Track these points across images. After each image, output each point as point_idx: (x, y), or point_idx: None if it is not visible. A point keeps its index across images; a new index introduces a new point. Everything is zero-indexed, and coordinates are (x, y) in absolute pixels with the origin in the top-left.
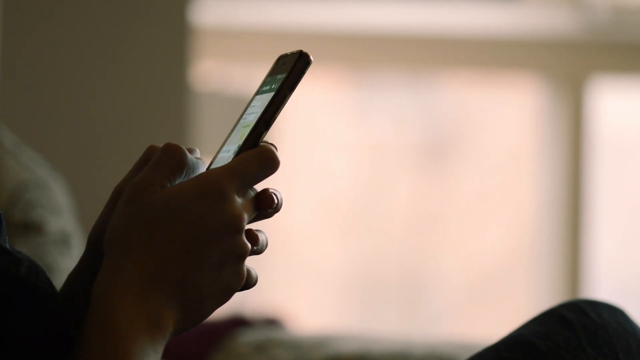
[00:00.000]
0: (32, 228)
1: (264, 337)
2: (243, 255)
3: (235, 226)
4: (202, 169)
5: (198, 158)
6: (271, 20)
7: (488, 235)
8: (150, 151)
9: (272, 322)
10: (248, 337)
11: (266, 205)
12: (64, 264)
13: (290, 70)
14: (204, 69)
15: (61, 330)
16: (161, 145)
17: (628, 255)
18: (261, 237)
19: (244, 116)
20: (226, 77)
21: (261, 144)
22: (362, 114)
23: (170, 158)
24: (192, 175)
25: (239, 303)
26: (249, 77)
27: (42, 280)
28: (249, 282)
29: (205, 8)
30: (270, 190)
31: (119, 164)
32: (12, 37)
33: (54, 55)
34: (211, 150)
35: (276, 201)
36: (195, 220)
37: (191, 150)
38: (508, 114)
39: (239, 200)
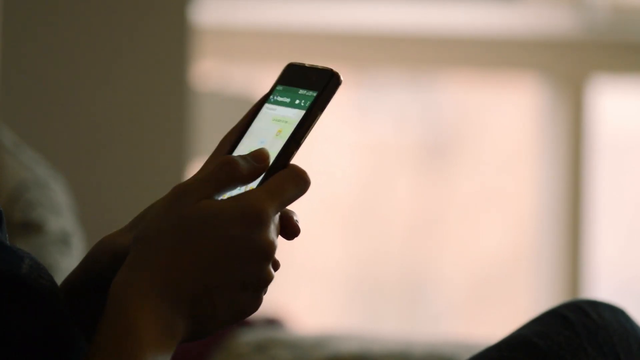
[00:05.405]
0: (32, 228)
1: (264, 337)
2: (266, 283)
3: (267, 254)
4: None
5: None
6: (271, 20)
7: (488, 235)
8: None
9: (272, 322)
10: (248, 337)
11: (291, 235)
12: (64, 263)
13: (322, 90)
14: (204, 69)
15: (63, 328)
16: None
17: (629, 255)
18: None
19: (254, 125)
20: (226, 77)
21: (291, 164)
22: (362, 114)
23: (223, 172)
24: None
25: None
26: (249, 77)
27: (43, 277)
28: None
29: (205, 8)
30: (295, 219)
31: (119, 163)
32: (12, 37)
33: (54, 55)
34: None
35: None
36: (230, 240)
37: None
38: (508, 114)
39: (273, 226)
